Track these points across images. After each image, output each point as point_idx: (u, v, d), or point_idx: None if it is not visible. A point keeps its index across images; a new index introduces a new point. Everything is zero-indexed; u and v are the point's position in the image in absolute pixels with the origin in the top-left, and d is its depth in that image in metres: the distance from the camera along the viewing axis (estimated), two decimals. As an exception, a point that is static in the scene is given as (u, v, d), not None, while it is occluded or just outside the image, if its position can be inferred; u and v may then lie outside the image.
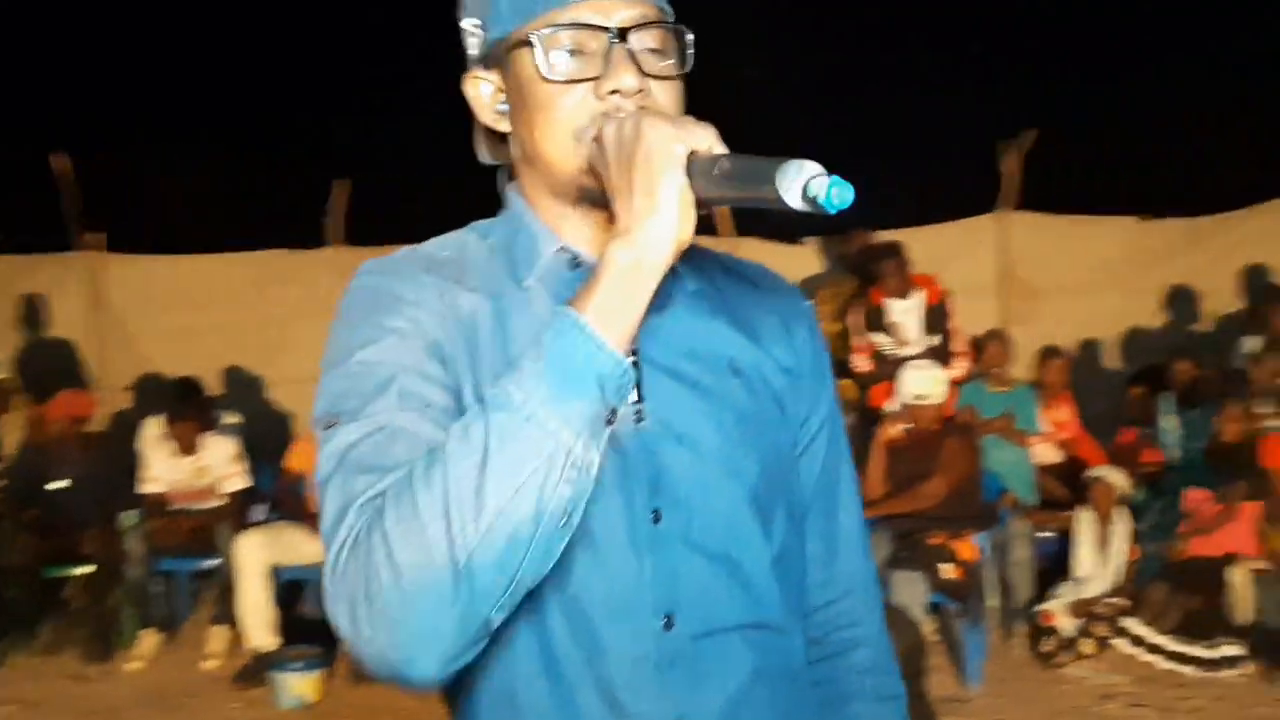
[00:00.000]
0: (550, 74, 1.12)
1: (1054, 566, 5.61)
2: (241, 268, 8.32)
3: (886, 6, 11.39)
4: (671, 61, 1.15)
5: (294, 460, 5.84)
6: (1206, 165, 9.31)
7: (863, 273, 6.88)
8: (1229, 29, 10.21)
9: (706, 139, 1.02)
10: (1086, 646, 5.11)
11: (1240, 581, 5.10)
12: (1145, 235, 8.09)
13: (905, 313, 6.54)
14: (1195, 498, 5.37)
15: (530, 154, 1.18)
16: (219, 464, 6.00)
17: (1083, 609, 5.17)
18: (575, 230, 1.20)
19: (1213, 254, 7.93)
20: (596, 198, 1.12)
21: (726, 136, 1.04)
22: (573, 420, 0.98)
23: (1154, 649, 5.04)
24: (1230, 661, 4.92)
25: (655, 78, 1.13)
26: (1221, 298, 7.82)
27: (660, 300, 1.13)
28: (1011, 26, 10.94)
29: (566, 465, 0.98)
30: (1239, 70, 9.63)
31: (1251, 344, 5.89)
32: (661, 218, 1.01)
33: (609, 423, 1.01)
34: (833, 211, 0.93)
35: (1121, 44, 10.72)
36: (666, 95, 1.14)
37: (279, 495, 5.95)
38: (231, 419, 6.96)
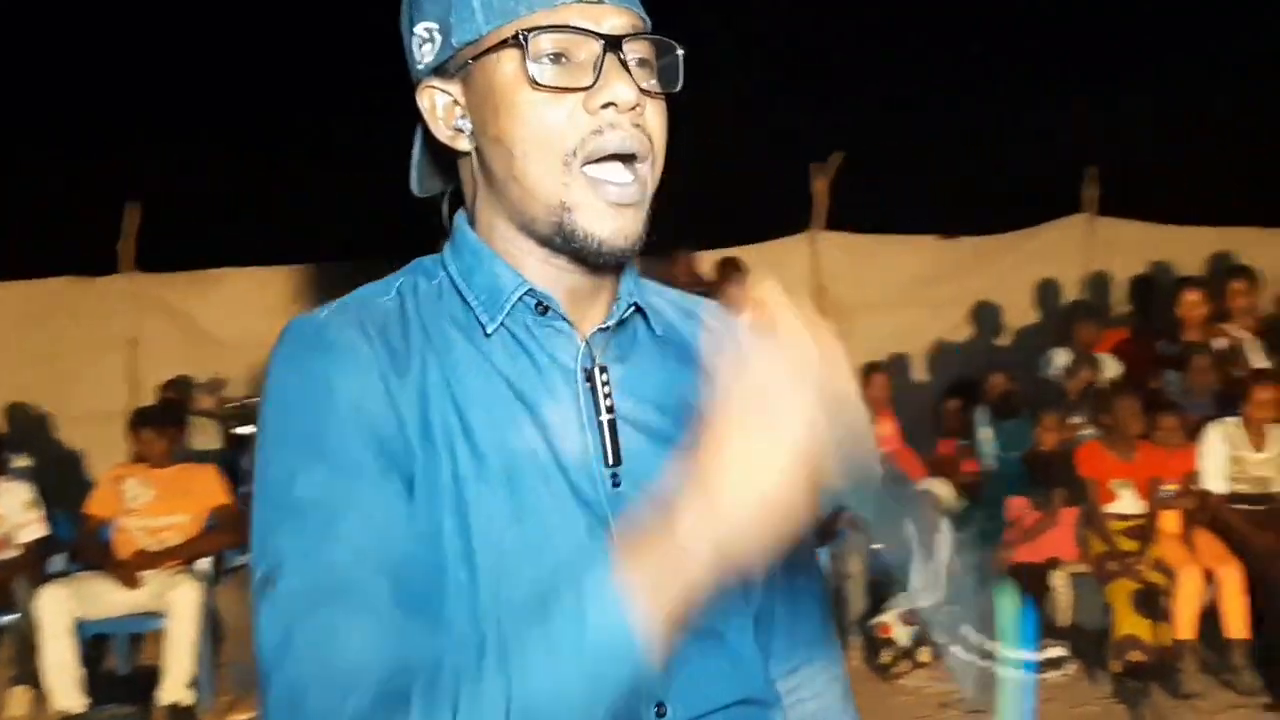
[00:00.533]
0: (541, 79, 1.00)
1: (886, 579, 5.73)
2: (21, 296, 7.74)
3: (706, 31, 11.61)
4: (664, 77, 1.06)
5: (95, 505, 5.42)
6: (1001, 186, 9.81)
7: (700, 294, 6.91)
8: (1014, 63, 10.82)
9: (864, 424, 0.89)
10: (923, 655, 5.23)
11: (1061, 585, 5.34)
12: (947, 253, 8.46)
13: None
14: (1017, 505, 5.59)
15: (503, 176, 1.04)
16: (12, 512, 5.50)
17: (917, 618, 5.29)
18: (539, 269, 1.07)
19: (1008, 270, 8.36)
20: (573, 236, 1.02)
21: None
22: (594, 712, 0.87)
23: (987, 654, 5.20)
24: (1055, 663, 5.14)
25: (648, 94, 1.03)
26: (1019, 311, 8.26)
27: (626, 350, 1.09)
28: (819, 54, 11.34)
29: None
30: (1027, 101, 10.24)
31: (1060, 357, 6.18)
32: (776, 540, 0.87)
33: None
34: None
35: (922, 73, 11.23)
36: (657, 116, 1.05)
37: (80, 544, 5.51)
38: (21, 462, 6.41)
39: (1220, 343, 5.94)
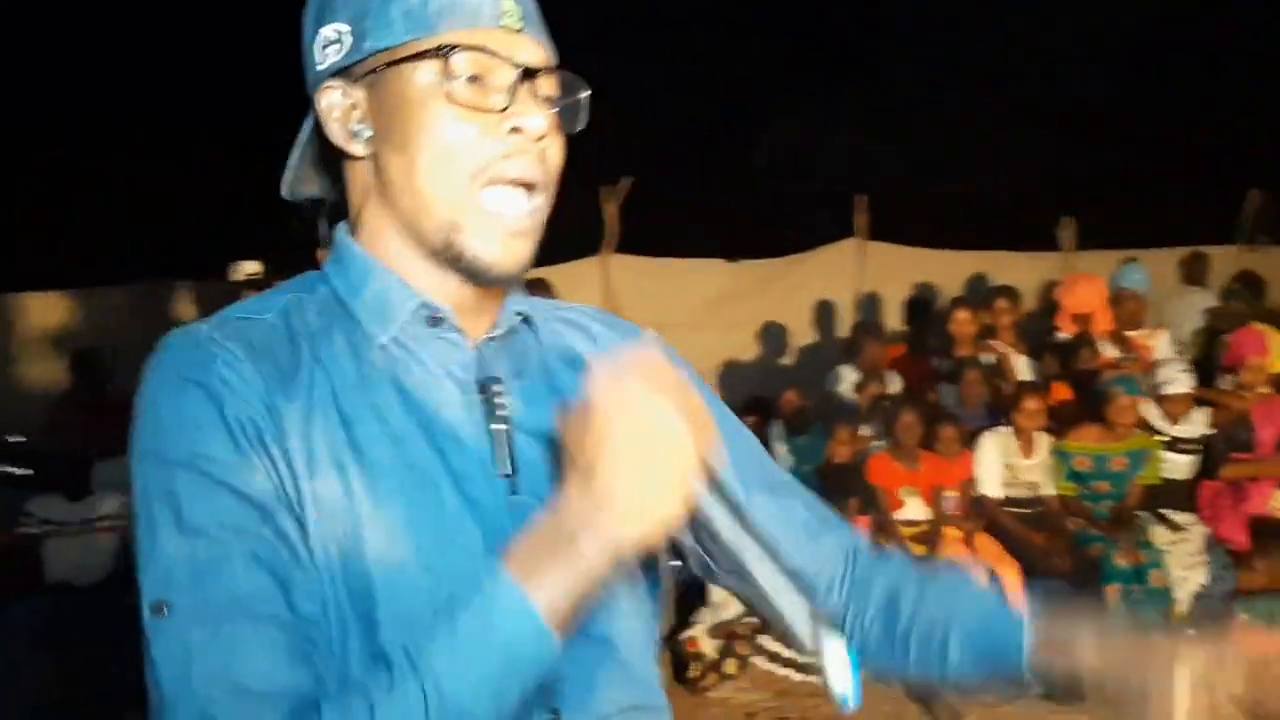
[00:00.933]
0: (457, 96, 1.02)
1: (690, 592, 5.86)
2: None
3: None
4: (572, 113, 1.10)
5: None
6: (780, 212, 10.23)
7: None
8: (792, 95, 11.31)
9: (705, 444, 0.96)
10: (729, 667, 5.36)
11: (854, 591, 5.58)
12: (733, 276, 8.74)
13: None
14: (813, 517, 5.81)
15: (399, 185, 1.05)
16: None
17: (723, 631, 5.43)
18: (426, 280, 1.08)
19: (789, 292, 8.72)
20: (459, 256, 1.04)
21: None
22: (504, 710, 0.92)
23: (789, 663, 5.39)
24: (853, 664, 5.37)
25: (556, 128, 1.07)
26: (801, 331, 8.62)
27: (517, 360, 1.12)
28: (614, 79, 11.57)
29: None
30: (804, 131, 10.73)
31: (847, 373, 6.47)
32: (660, 532, 0.94)
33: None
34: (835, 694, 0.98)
35: (706, 101, 11.56)
36: (557, 151, 1.08)
37: None
38: None
39: (988, 357, 6.36)
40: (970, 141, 10.47)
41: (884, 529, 5.63)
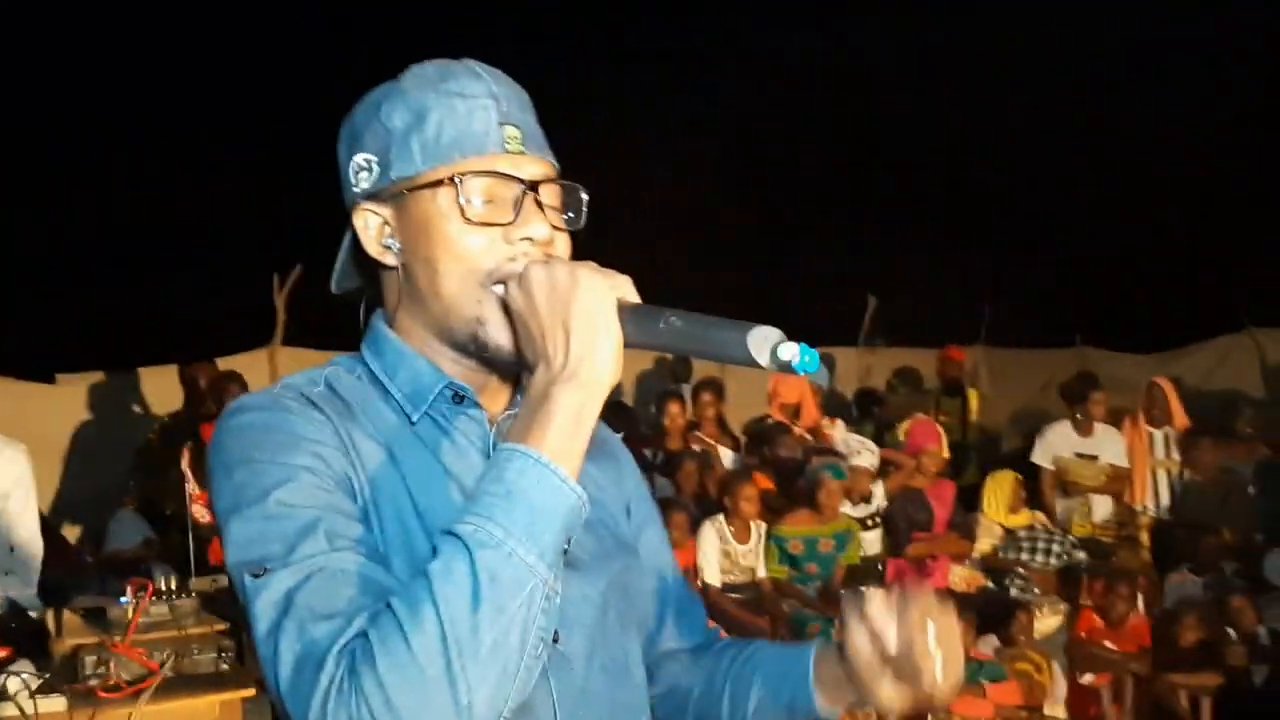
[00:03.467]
0: (472, 215, 1.18)
1: None
2: None
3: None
4: (570, 216, 1.25)
5: None
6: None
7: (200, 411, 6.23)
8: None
9: (629, 289, 1.12)
10: None
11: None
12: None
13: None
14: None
15: (426, 292, 1.22)
16: None
17: None
18: (452, 366, 1.25)
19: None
20: (485, 347, 1.20)
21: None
22: (547, 553, 1.03)
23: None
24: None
25: (557, 229, 1.22)
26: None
27: None
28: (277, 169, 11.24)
29: (544, 596, 1.03)
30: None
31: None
32: (604, 362, 1.08)
33: (565, 551, 1.06)
34: (801, 374, 1.06)
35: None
36: (565, 247, 1.23)
37: None
38: None
39: (696, 448, 6.57)
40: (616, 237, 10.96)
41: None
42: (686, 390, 7.33)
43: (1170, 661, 5.83)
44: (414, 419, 1.22)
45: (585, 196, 1.26)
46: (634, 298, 1.12)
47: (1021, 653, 5.74)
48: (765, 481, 6.55)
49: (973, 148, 12.30)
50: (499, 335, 1.19)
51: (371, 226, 1.24)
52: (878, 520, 6.53)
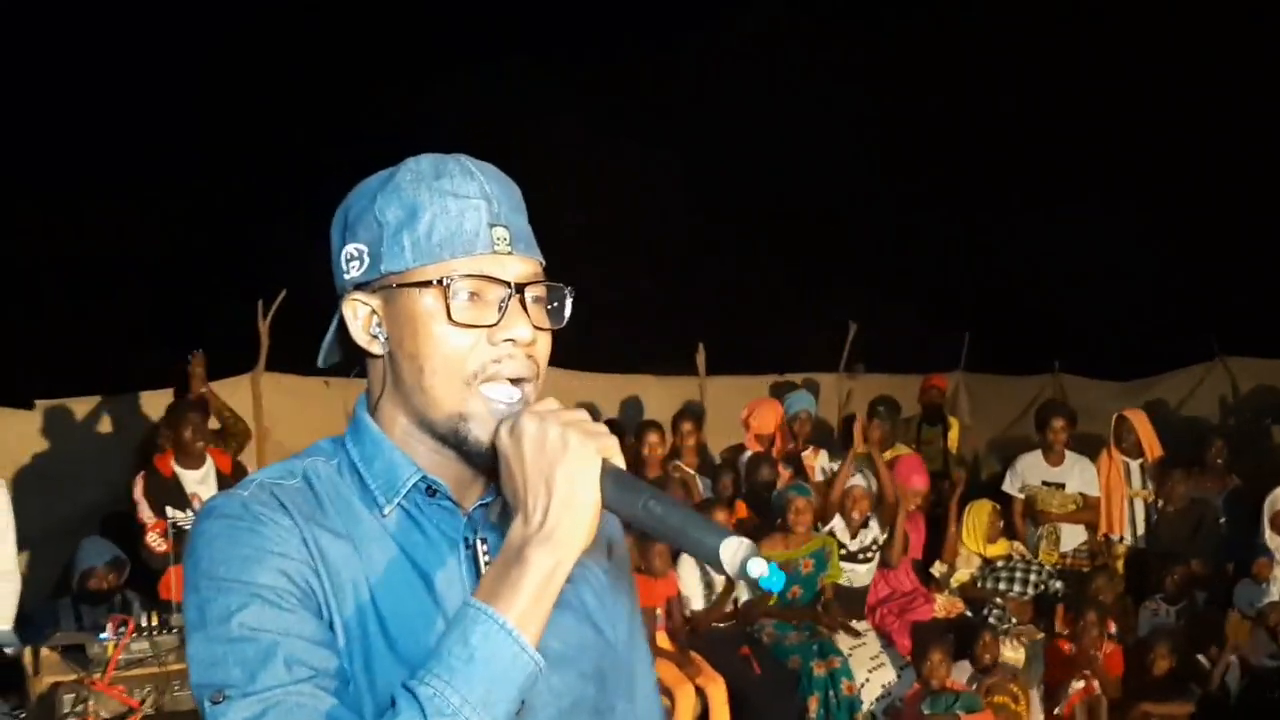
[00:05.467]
0: (458, 316, 1.21)
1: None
2: None
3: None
4: (555, 316, 1.29)
5: None
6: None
7: (149, 447, 6.23)
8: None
9: (615, 450, 1.15)
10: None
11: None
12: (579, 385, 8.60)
13: (201, 483, 6.01)
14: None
15: (411, 384, 1.25)
16: None
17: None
18: (429, 457, 1.28)
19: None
20: (464, 441, 1.23)
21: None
22: (494, 711, 1.08)
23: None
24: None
25: (540, 329, 1.25)
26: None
27: (507, 521, 1.25)
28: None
29: None
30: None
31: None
32: (580, 525, 1.12)
33: (517, 712, 1.11)
34: (765, 590, 1.12)
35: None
36: (546, 346, 1.27)
37: None
38: None
39: (676, 476, 6.60)
40: (611, 268, 10.99)
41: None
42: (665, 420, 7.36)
43: (1143, 690, 5.89)
44: (384, 511, 1.25)
45: (569, 296, 1.28)
46: (619, 460, 1.14)
47: (1000, 684, 5.79)
48: (743, 510, 6.59)
49: (955, 174, 12.43)
50: (480, 432, 1.22)
51: (360, 316, 1.27)
52: (873, 554, 6.51)
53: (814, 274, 11.76)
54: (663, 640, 5.77)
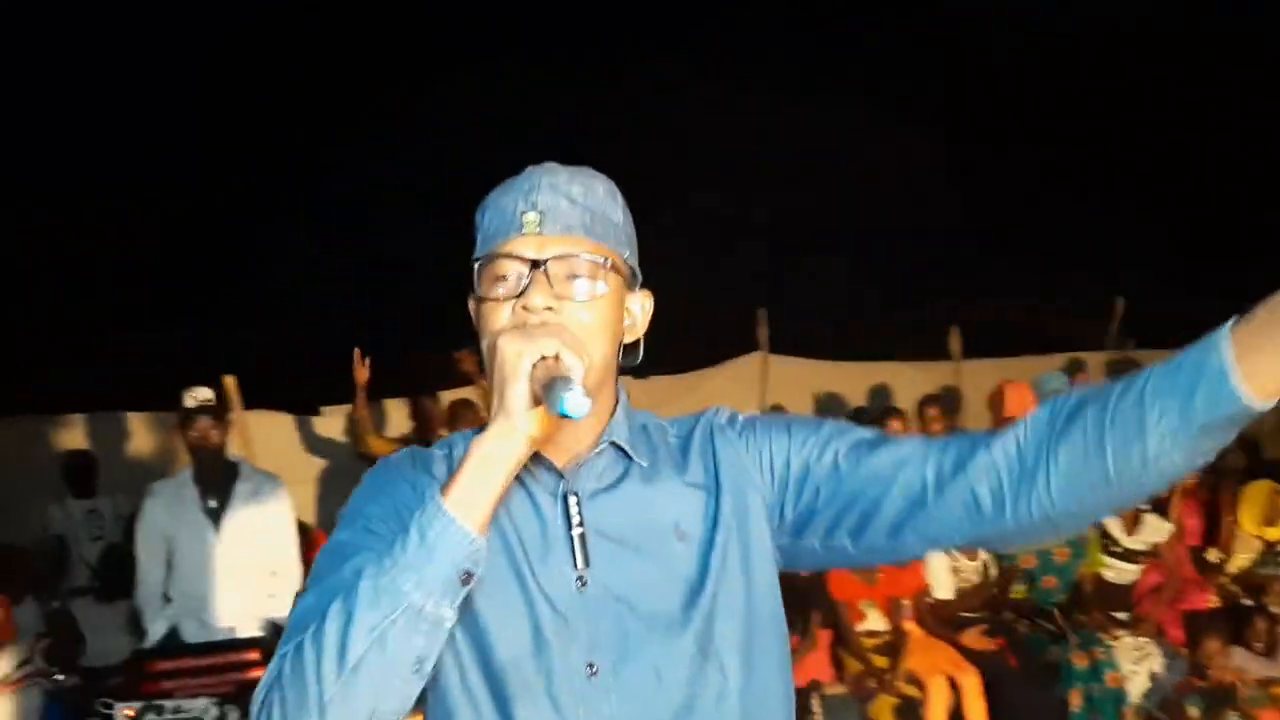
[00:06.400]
0: (481, 292, 1.39)
1: None
2: None
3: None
4: (583, 287, 1.37)
5: None
6: (685, 327, 10.30)
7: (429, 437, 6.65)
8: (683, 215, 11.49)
9: (551, 346, 1.27)
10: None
11: (816, 708, 5.50)
12: (641, 391, 8.71)
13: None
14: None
15: (486, 357, 1.39)
16: None
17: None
18: None
19: (697, 405, 8.70)
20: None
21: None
22: (426, 583, 1.21)
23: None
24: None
25: (569, 299, 1.36)
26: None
27: (617, 479, 1.44)
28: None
29: (418, 620, 1.21)
30: (705, 251, 10.88)
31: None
32: (509, 418, 1.26)
33: (465, 582, 1.24)
34: (562, 413, 1.22)
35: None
36: (580, 314, 1.37)
37: None
38: None
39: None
40: (858, 254, 10.85)
41: (847, 643, 5.58)
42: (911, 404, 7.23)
43: None
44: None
45: (606, 268, 1.39)
46: (570, 360, 1.27)
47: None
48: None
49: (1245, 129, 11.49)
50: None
51: (470, 308, 1.45)
52: (1150, 557, 6.10)
53: (1076, 247, 11.19)
54: (912, 630, 5.68)
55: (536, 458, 1.38)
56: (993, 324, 9.54)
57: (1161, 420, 1.21)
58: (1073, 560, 5.87)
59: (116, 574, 5.93)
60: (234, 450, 5.47)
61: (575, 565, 1.38)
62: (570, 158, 1.51)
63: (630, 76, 10.94)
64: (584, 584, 1.38)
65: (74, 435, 7.19)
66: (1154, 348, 9.46)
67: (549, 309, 1.35)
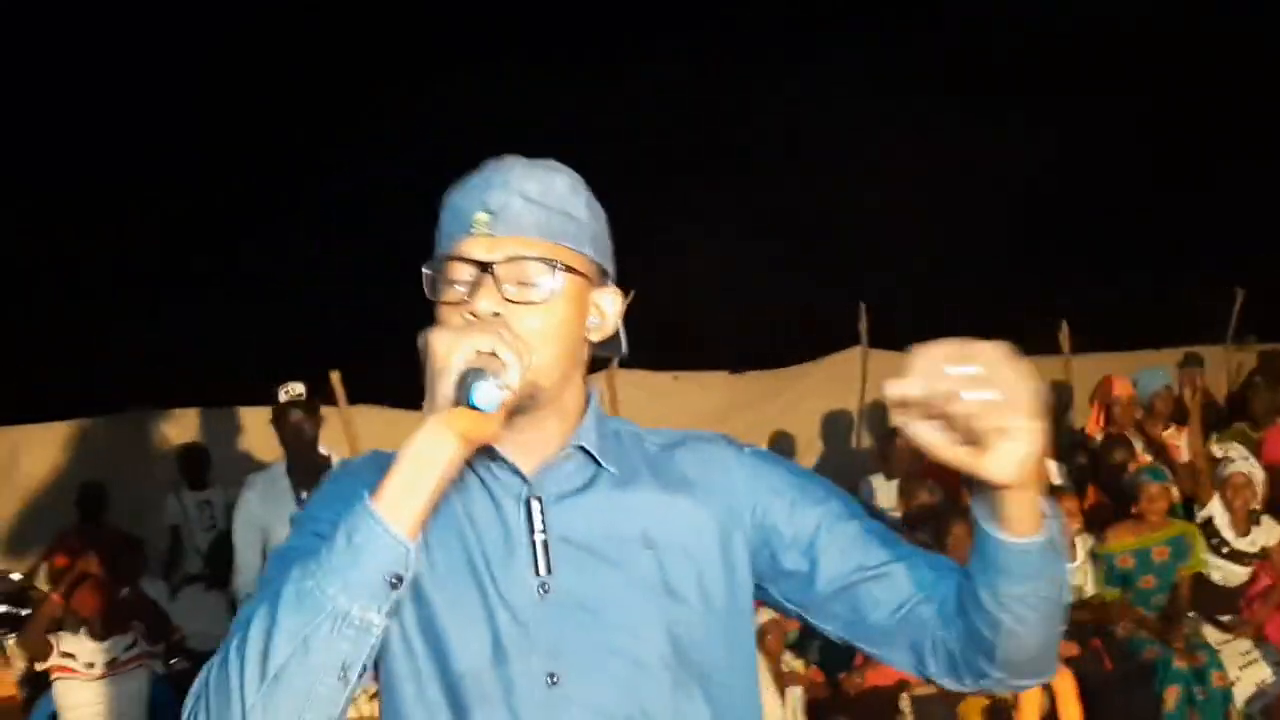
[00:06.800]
0: (432, 296, 1.35)
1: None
2: None
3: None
4: (534, 290, 1.33)
5: None
6: (783, 322, 10.27)
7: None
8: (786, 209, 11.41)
9: (486, 342, 1.23)
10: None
11: (906, 708, 5.42)
12: (738, 387, 8.71)
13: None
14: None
15: None
16: None
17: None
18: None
19: (795, 400, 8.68)
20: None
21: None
22: (351, 588, 1.19)
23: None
24: (914, 783, 5.18)
25: (517, 303, 1.31)
26: (808, 439, 8.56)
27: (584, 485, 1.39)
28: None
29: (343, 625, 1.18)
30: (806, 243, 10.84)
31: (880, 483, 6.39)
32: (435, 417, 1.23)
33: (394, 587, 1.20)
34: (472, 404, 1.21)
35: (703, 216, 11.63)
36: (529, 318, 1.32)
37: None
38: None
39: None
40: (965, 245, 10.67)
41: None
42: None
43: None
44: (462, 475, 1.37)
45: (557, 269, 1.33)
46: (507, 357, 1.24)
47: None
48: (1096, 495, 6.22)
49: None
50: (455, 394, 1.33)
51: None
52: (1260, 559, 5.85)
53: (1192, 237, 10.80)
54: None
55: (501, 461, 1.36)
56: (1105, 316, 9.28)
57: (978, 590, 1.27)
58: (1171, 561, 5.68)
59: (224, 562, 6.18)
60: (336, 445, 5.62)
61: (537, 572, 1.34)
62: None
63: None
64: (546, 591, 1.33)
65: (187, 428, 7.48)
66: (1277, 341, 9.10)
67: (496, 314, 1.30)
